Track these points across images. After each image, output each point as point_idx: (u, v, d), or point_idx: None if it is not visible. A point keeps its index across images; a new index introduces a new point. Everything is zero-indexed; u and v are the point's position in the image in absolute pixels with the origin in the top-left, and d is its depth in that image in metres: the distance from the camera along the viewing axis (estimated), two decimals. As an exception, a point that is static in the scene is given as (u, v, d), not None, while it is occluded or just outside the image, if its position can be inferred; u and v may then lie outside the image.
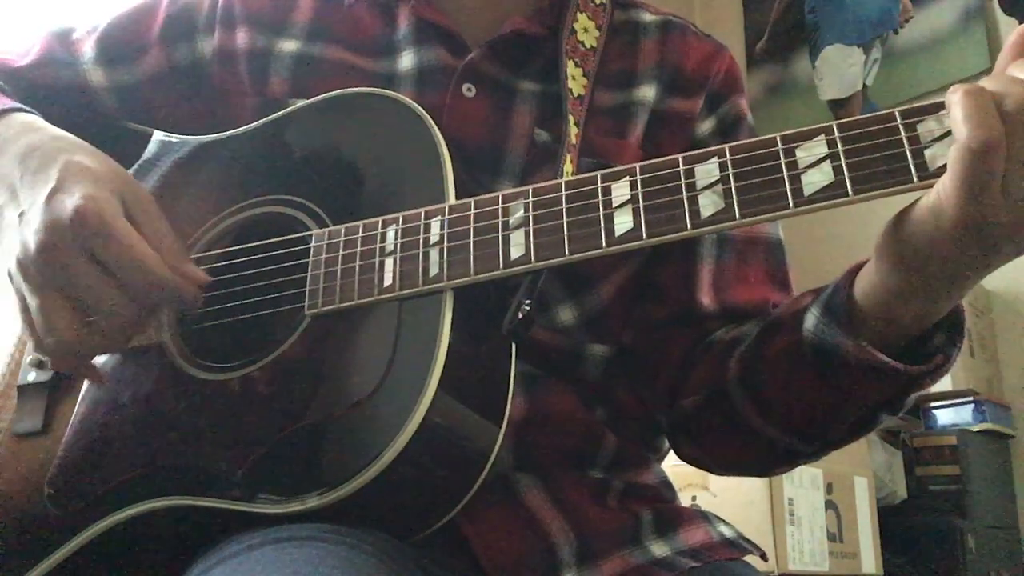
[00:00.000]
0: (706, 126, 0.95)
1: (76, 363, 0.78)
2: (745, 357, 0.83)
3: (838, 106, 3.30)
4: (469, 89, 0.88)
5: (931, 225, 0.61)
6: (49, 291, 0.74)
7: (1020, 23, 2.81)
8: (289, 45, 0.93)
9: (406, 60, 0.90)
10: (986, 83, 0.59)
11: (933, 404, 2.66)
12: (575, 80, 0.89)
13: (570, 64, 0.90)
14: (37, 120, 0.87)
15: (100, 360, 0.83)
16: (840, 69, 3.31)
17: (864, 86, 3.22)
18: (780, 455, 0.85)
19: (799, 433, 0.81)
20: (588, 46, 0.93)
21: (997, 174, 0.57)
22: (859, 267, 0.72)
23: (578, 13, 0.93)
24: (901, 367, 0.69)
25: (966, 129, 0.57)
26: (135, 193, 0.78)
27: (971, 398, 2.59)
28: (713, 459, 0.91)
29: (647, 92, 0.94)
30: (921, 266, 0.64)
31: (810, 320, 0.75)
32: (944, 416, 2.64)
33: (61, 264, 0.73)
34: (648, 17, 0.99)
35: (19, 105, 0.89)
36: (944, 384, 2.57)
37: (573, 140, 0.86)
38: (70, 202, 0.73)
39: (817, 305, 0.75)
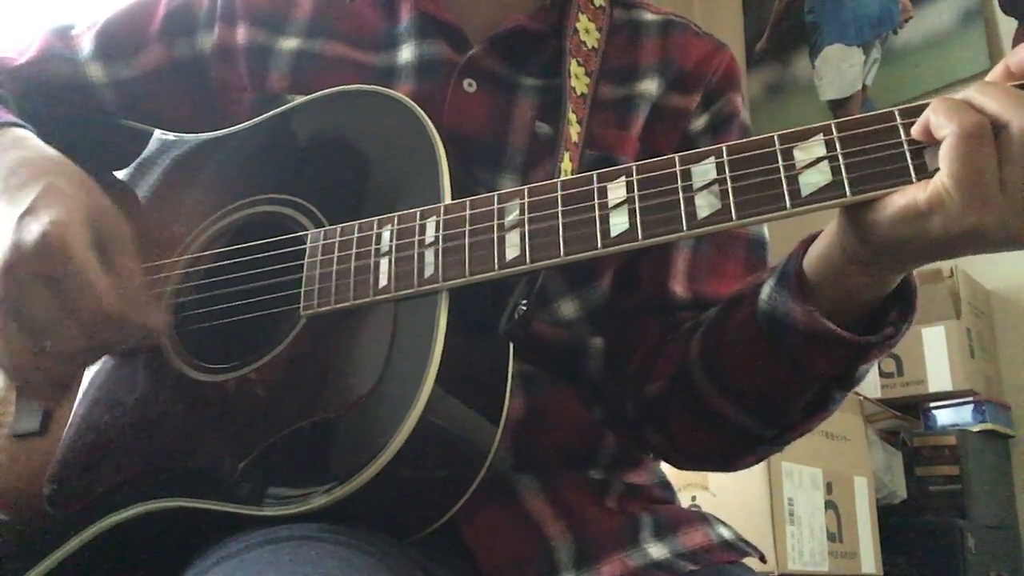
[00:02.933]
0: (699, 122, 0.95)
1: (30, 387, 0.78)
2: (706, 335, 0.83)
3: (838, 106, 3.29)
4: (470, 84, 0.88)
5: (924, 221, 0.60)
6: (7, 315, 0.74)
7: (1020, 23, 2.80)
8: (289, 42, 0.93)
9: (406, 53, 0.90)
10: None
11: (933, 404, 2.65)
12: (578, 79, 0.90)
13: (573, 63, 0.90)
14: (31, 138, 0.86)
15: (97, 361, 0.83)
16: (840, 69, 3.31)
17: (864, 86, 3.22)
18: (741, 440, 0.84)
19: (756, 413, 0.81)
20: (590, 46, 0.93)
21: (992, 164, 0.57)
22: (813, 236, 0.73)
23: (579, 14, 0.93)
24: (847, 336, 0.70)
25: (954, 121, 0.58)
26: (112, 226, 0.78)
27: (971, 398, 2.59)
28: (677, 448, 0.90)
29: (649, 86, 0.94)
30: (895, 249, 0.64)
31: (765, 290, 0.75)
32: (944, 416, 2.64)
33: (18, 288, 0.72)
34: (649, 16, 1.00)
35: (14, 120, 0.88)
36: (944, 384, 2.57)
37: (574, 138, 0.86)
38: (36, 227, 0.72)
39: (773, 275, 0.75)
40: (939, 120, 0.59)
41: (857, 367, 0.73)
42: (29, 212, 0.74)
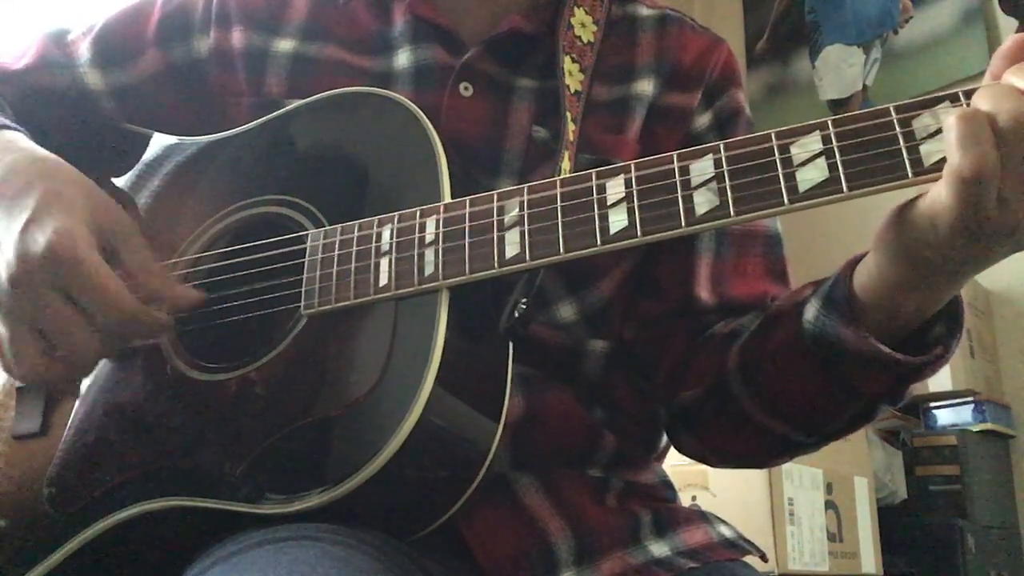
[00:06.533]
0: (703, 120, 0.95)
1: (45, 387, 0.79)
2: (745, 349, 0.83)
3: (838, 106, 3.30)
4: (466, 88, 0.88)
5: (929, 231, 0.62)
6: (18, 324, 0.75)
7: (1020, 23, 2.79)
8: (285, 44, 0.93)
9: (402, 58, 0.90)
10: (980, 95, 0.59)
11: (933, 404, 2.66)
12: (572, 76, 0.89)
13: (567, 60, 0.90)
14: (21, 139, 0.86)
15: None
16: (840, 69, 3.31)
17: (864, 86, 3.23)
18: (780, 446, 0.86)
19: (799, 424, 0.82)
20: (585, 41, 0.92)
21: (992, 194, 0.57)
22: (859, 259, 0.72)
23: (575, 8, 0.93)
24: (901, 357, 0.70)
25: (958, 156, 0.57)
26: (113, 222, 0.78)
27: (971, 398, 2.59)
28: (713, 451, 0.91)
29: (645, 86, 0.94)
30: (921, 262, 0.65)
31: (810, 312, 0.75)
32: (944, 416, 2.64)
33: (31, 298, 0.73)
34: (645, 11, 0.99)
35: (4, 122, 0.88)
36: (944, 384, 2.57)
37: (571, 137, 0.86)
38: (42, 237, 0.73)
39: (817, 297, 0.75)
40: (950, 139, 0.58)
41: (908, 385, 0.74)
42: (32, 221, 0.74)
